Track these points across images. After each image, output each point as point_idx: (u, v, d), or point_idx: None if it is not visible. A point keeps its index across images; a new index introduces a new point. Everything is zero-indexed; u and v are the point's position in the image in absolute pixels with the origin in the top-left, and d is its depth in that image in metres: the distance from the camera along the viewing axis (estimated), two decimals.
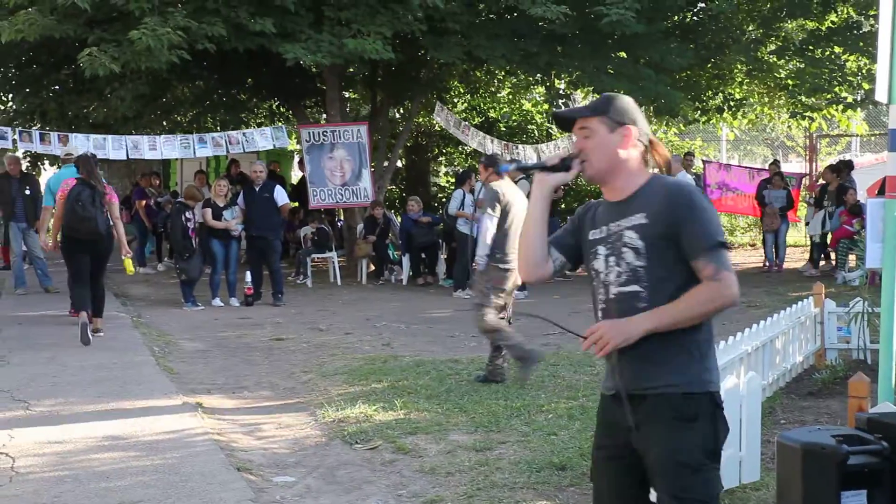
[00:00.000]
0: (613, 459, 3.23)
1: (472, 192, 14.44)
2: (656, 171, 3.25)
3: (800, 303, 8.04)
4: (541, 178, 3.30)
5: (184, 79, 17.44)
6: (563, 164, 3.23)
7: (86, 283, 10.29)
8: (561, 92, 20.56)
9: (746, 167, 21.38)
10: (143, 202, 17.31)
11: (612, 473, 3.25)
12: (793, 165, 27.02)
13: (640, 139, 3.19)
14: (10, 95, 17.83)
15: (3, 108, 17.94)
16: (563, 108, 21.12)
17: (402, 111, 21.11)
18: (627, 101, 3.23)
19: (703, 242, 3.01)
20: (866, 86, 16.43)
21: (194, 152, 15.06)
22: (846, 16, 17.16)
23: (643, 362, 3.12)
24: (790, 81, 17.46)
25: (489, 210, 7.81)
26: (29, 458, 6.03)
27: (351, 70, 17.46)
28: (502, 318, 7.97)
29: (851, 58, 16.96)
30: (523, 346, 7.81)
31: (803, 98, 17.11)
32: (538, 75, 18.28)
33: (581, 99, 24.28)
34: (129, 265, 11.13)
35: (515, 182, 14.26)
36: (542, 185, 3.30)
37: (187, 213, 13.01)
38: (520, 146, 19.31)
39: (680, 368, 3.09)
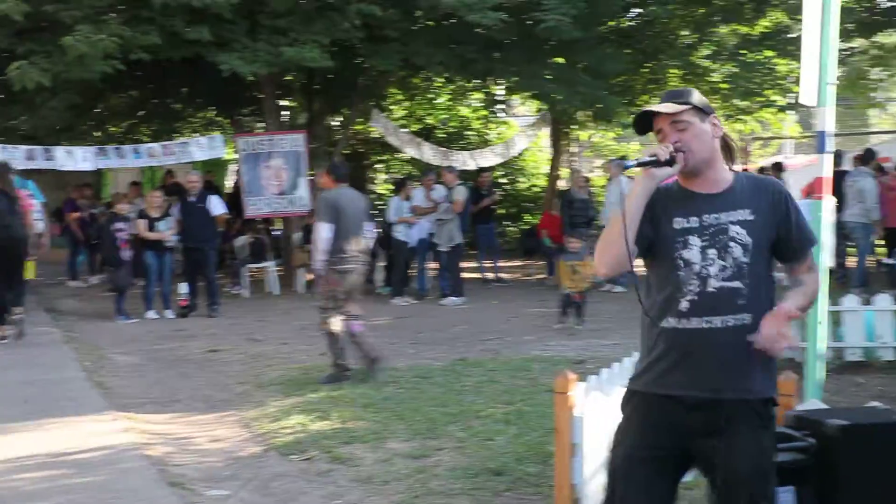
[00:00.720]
0: (655, 461, 3.20)
1: (409, 199, 14.41)
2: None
3: None
4: (650, 173, 3.20)
5: (117, 89, 17.19)
6: (670, 160, 3.18)
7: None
8: (499, 98, 20.64)
9: None
10: (76, 214, 16.99)
11: (648, 474, 3.21)
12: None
13: (720, 129, 3.31)
14: None
15: None
16: (500, 114, 21.26)
17: (339, 119, 21.02)
18: (699, 93, 3.32)
19: (810, 241, 3.28)
20: (796, 89, 16.68)
21: (129, 163, 14.83)
22: (777, 20, 17.45)
23: (720, 368, 3.14)
24: (724, 85, 17.70)
25: (324, 218, 8.16)
26: None
27: (288, 78, 17.35)
28: (346, 320, 8.39)
29: (782, 62, 17.25)
30: (373, 349, 8.35)
31: (737, 101, 17.35)
32: (476, 81, 18.33)
33: (519, 104, 24.45)
34: (30, 267, 11.15)
35: (453, 188, 14.28)
36: (650, 180, 3.20)
37: (118, 224, 12.80)
38: (457, 152, 19.34)
39: (756, 375, 3.15)
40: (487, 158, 19.22)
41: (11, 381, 8.70)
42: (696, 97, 3.26)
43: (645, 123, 3.32)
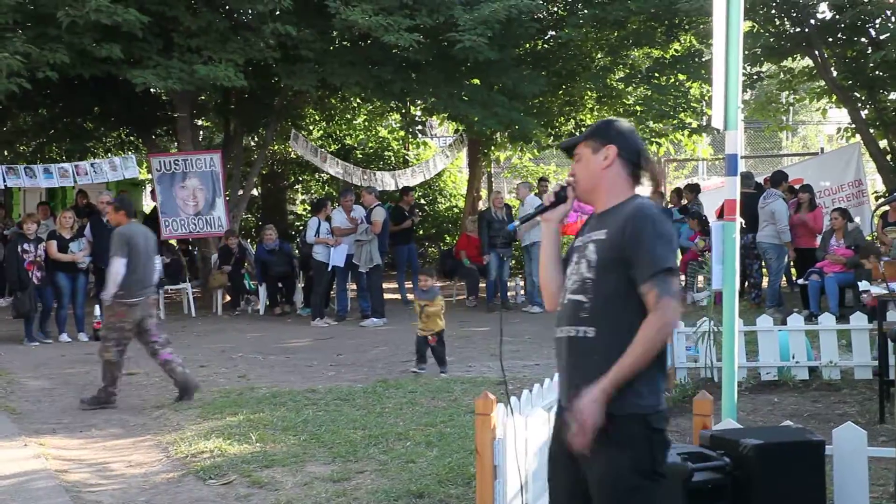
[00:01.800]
0: (569, 465, 3.30)
1: (328, 219, 14.34)
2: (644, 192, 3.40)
3: None
4: (545, 218, 3.51)
5: (25, 107, 16.82)
6: (560, 197, 3.46)
7: None
8: (417, 118, 20.70)
9: None
10: None
11: (568, 475, 3.33)
12: (644, 188, 27.81)
13: (626, 157, 3.36)
14: None
15: None
16: (418, 134, 21.32)
17: (256, 139, 20.87)
18: (618, 123, 3.44)
19: (650, 268, 3.14)
20: (708, 111, 17.11)
21: (39, 182, 14.50)
22: (689, 44, 17.86)
23: (569, 378, 3.29)
24: (638, 108, 18.02)
25: (117, 253, 8.53)
26: None
27: (203, 97, 17.17)
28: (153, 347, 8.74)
29: (695, 85, 17.65)
30: (185, 376, 8.66)
31: (651, 124, 17.70)
32: (393, 102, 18.36)
33: (437, 125, 24.55)
34: None
35: (371, 209, 14.26)
36: (548, 224, 3.51)
37: (24, 245, 12.49)
38: (377, 173, 19.34)
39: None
40: (408, 179, 19.26)
41: None
42: (602, 129, 3.43)
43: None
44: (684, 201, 16.69)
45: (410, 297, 16.20)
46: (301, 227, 23.88)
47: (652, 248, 3.16)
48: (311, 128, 22.43)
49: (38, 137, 19.15)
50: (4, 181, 14.26)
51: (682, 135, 18.58)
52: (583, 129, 19.86)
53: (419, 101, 17.82)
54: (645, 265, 3.15)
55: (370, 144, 24.06)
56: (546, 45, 18.14)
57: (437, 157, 20.85)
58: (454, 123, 19.51)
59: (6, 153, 18.97)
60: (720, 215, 6.96)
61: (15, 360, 11.20)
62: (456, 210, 23.43)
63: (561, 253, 3.52)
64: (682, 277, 16.21)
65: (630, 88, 18.49)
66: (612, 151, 3.34)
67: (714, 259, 5.41)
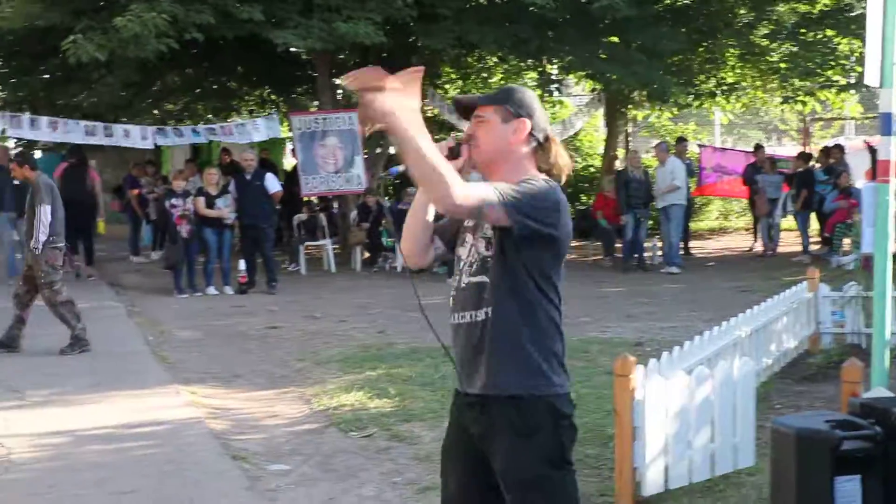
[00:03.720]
0: (464, 458, 3.12)
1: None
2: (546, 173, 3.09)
3: (794, 287, 8.05)
4: None
5: (173, 67, 17.40)
6: (453, 153, 3.10)
7: None
8: (553, 77, 20.53)
9: (742, 150, 21.38)
10: (136, 191, 17.25)
11: (463, 469, 3.13)
12: (787, 149, 27.01)
13: (535, 134, 3.08)
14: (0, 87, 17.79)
15: None
16: (555, 92, 21.12)
17: None
18: (528, 95, 3.13)
19: (499, 188, 2.88)
20: (858, 69, 16.43)
21: (188, 140, 15.06)
22: None
23: (469, 364, 3.03)
24: (783, 65, 17.45)
25: (45, 201, 8.75)
26: (24, 447, 6.04)
27: (342, 56, 17.41)
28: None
29: (843, 40, 16.95)
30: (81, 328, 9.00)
31: (796, 82, 17.12)
32: (530, 60, 18.25)
33: (574, 84, 24.33)
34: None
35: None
36: None
37: (173, 200, 13.00)
38: None
39: (502, 368, 2.97)
40: None
41: (79, 355, 8.91)
42: (514, 98, 3.08)
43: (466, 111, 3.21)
44: (831, 161, 16.14)
45: None
46: None
47: (521, 187, 2.89)
48: (447, 86, 22.51)
49: (185, 96, 19.80)
50: (155, 141, 14.85)
51: (829, 93, 17.90)
52: (724, 88, 19.47)
53: (556, 60, 17.66)
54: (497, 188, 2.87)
55: None
56: (686, 2, 17.70)
57: (574, 117, 20.65)
58: (591, 82, 19.27)
59: (155, 112, 19.71)
60: (872, 177, 6.72)
61: (165, 311, 11.71)
62: (592, 170, 23.22)
63: (430, 208, 3.16)
64: (822, 239, 15.71)
65: (774, 45, 17.90)
66: (525, 126, 3.05)
67: (865, 222, 5.26)
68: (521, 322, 2.96)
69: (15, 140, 16.44)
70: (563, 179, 3.13)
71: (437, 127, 23.39)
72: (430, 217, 3.19)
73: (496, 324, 2.97)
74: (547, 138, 3.11)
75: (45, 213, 8.70)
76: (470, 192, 2.80)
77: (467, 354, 3.05)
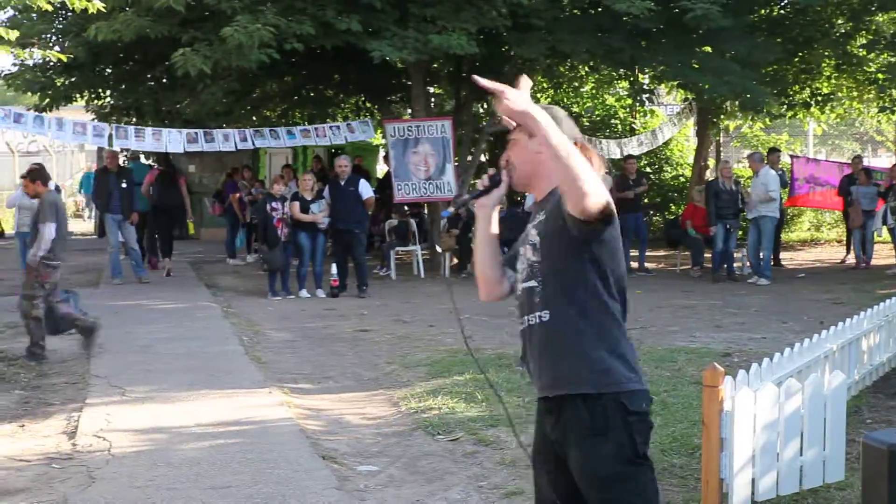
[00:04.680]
0: (550, 460, 3.20)
1: None
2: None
3: (888, 300, 7.91)
4: (480, 204, 3.34)
5: (273, 75, 17.76)
6: (494, 181, 3.29)
7: None
8: (645, 87, 20.42)
9: (835, 161, 20.97)
10: (237, 195, 17.69)
11: (550, 471, 3.22)
12: (882, 160, 26.38)
13: None
14: (108, 92, 18.36)
15: (100, 103, 18.47)
16: (646, 102, 21.01)
17: (485, 106, 21.18)
18: (553, 110, 3.16)
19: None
20: None
21: (283, 143, 15.46)
22: None
23: (540, 366, 3.13)
24: (881, 76, 17.06)
25: (49, 219, 8.85)
26: (125, 442, 6.28)
27: (435, 66, 17.57)
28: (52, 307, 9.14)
29: None
30: (86, 320, 9.19)
31: (893, 92, 16.73)
32: (622, 70, 18.18)
33: (665, 93, 24.13)
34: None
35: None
36: (482, 210, 3.35)
37: (273, 204, 13.32)
38: (603, 141, 19.25)
39: (574, 367, 3.04)
40: (633, 147, 19.08)
41: (176, 353, 9.21)
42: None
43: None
44: None
45: (634, 265, 16.12)
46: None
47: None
48: (539, 95, 22.54)
49: (283, 103, 20.20)
50: (253, 143, 15.25)
51: None
52: (818, 98, 19.12)
53: (648, 69, 17.56)
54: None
55: (597, 112, 23.93)
56: (782, 11, 17.44)
57: (664, 126, 20.50)
58: (682, 92, 19.11)
59: (254, 118, 20.17)
60: None
61: (259, 313, 12.00)
62: (682, 179, 23.00)
63: (495, 239, 3.37)
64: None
65: (872, 55, 17.51)
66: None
67: None
68: (579, 321, 3.03)
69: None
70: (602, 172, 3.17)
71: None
72: (495, 249, 3.37)
73: (554, 325, 3.06)
74: (574, 143, 3.12)
75: (48, 230, 8.86)
76: (602, 189, 2.87)
77: (534, 357, 3.16)
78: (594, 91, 23.61)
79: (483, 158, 22.42)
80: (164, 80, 17.02)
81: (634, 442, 3.00)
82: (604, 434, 2.98)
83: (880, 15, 17.35)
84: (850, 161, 18.80)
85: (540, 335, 3.10)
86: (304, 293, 13.46)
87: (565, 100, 23.57)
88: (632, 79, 19.37)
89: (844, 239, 18.19)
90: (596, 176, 2.87)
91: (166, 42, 14.00)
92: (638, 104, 22.53)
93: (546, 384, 3.11)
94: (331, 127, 15.91)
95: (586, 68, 19.94)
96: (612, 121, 23.97)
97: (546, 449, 3.19)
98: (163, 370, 8.47)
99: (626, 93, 22.93)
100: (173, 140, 14.57)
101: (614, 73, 19.81)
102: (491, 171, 3.34)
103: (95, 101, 18.32)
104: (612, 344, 3.04)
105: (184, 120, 17.04)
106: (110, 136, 14.50)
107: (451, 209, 3.47)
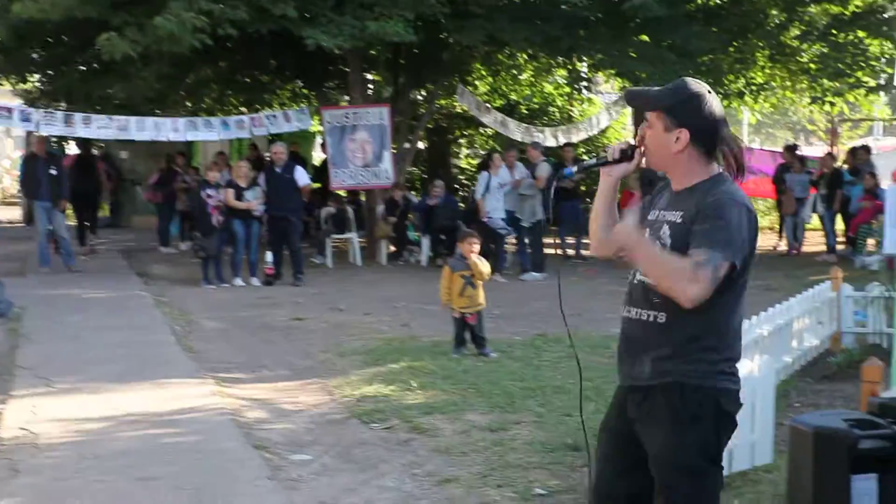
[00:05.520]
0: (619, 436, 3.26)
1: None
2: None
3: (817, 286, 8.04)
4: (605, 173, 3.31)
5: (207, 60, 17.51)
6: (625, 155, 3.23)
7: None
8: (583, 75, 20.50)
9: (769, 150, 21.27)
10: (182, 184, 17.41)
11: (617, 445, 3.28)
12: (815, 149, 26.85)
13: (702, 140, 3.09)
14: (36, 76, 17.94)
15: (27, 87, 18.04)
16: (584, 91, 21.10)
17: (423, 93, 21.11)
18: (696, 98, 3.09)
19: (711, 239, 2.92)
20: (889, 70, 16.33)
21: (218, 134, 15.18)
22: (870, 0, 17.03)
23: (634, 359, 3.15)
24: (812, 66, 17.35)
25: None
26: (51, 433, 6.13)
27: (373, 52, 17.47)
28: None
29: (875, 42, 16.84)
30: None
31: (825, 82, 17.03)
32: (560, 58, 18.24)
33: (603, 82, 24.27)
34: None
35: (536, 164, 14.32)
36: (606, 179, 3.32)
37: (208, 191, 13.14)
38: (541, 128, 19.30)
39: (668, 362, 3.06)
40: (571, 135, 19.16)
41: (106, 343, 9.02)
42: (679, 102, 3.10)
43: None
44: (858, 161, 16.07)
45: (571, 252, 16.20)
46: (465, 181, 24.12)
47: (724, 227, 2.94)
48: (477, 83, 22.52)
49: (218, 89, 19.95)
50: (185, 135, 14.99)
51: (858, 94, 17.78)
52: (753, 88, 19.36)
53: (586, 58, 17.64)
54: (708, 235, 2.93)
55: (536, 100, 23.99)
56: (718, 2, 17.63)
57: (602, 114, 20.62)
58: (620, 80, 19.23)
59: (188, 104, 19.88)
60: None
61: (193, 301, 11.82)
62: None
63: (614, 206, 3.33)
64: (846, 239, 15.63)
65: (805, 46, 17.78)
66: (685, 136, 3.06)
67: (888, 222, 5.25)
68: (697, 325, 3.02)
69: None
70: (741, 171, 3.16)
71: (464, 122, 23.49)
72: (612, 215, 3.31)
73: (668, 328, 3.05)
74: (715, 137, 3.11)
75: None
76: (699, 275, 2.88)
77: (635, 349, 3.13)
78: (533, 79, 23.65)
79: (421, 146, 22.40)
80: (95, 65, 16.67)
81: (719, 441, 3.08)
82: (692, 424, 3.01)
83: (813, 6, 17.62)
84: (783, 150, 19.07)
85: (649, 332, 3.09)
86: (238, 281, 13.30)
87: (504, 87, 23.58)
88: (570, 67, 19.44)
89: (777, 226, 18.46)
90: (681, 277, 2.90)
91: (97, 25, 13.68)
92: (576, 92, 22.63)
93: (646, 375, 3.10)
94: (267, 116, 15.72)
95: (525, 56, 19.97)
96: (551, 108, 24.04)
97: (618, 422, 3.22)
98: (92, 360, 8.29)
99: (564, 81, 23.01)
100: (104, 126, 14.27)
101: (552, 62, 19.86)
102: (623, 143, 3.27)
103: (21, 86, 17.89)
104: (723, 348, 3.08)
105: (116, 106, 16.70)
106: (38, 122, 14.17)
107: (575, 169, 3.57)
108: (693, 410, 3.01)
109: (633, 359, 3.13)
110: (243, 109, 20.15)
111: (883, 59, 16.42)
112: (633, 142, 3.26)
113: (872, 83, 17.02)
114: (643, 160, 3.20)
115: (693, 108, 3.08)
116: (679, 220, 3.06)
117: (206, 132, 15.06)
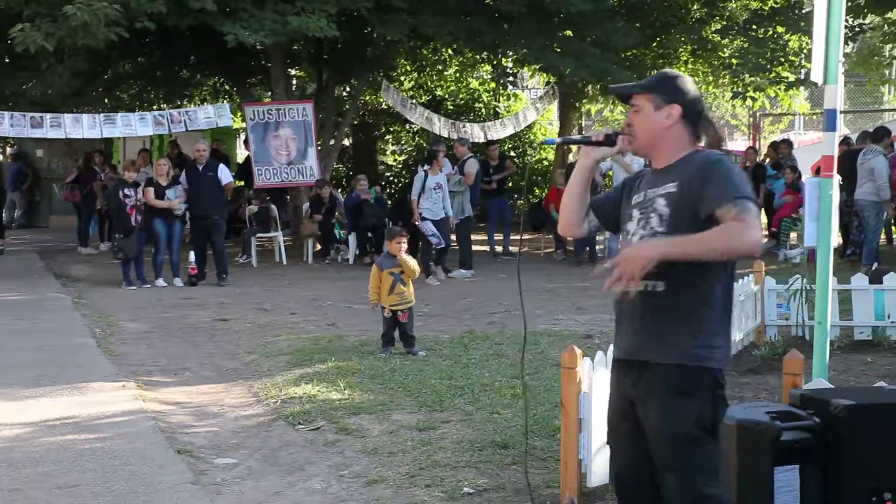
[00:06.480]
0: (627, 420, 3.39)
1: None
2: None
3: (740, 280, 8.13)
4: (585, 152, 3.47)
5: (125, 55, 17.18)
6: (608, 140, 3.41)
7: None
8: (508, 70, 20.57)
9: None
10: (100, 183, 17.04)
11: (628, 429, 3.40)
12: (738, 144, 27.32)
13: (689, 116, 3.29)
14: None
15: None
16: (509, 86, 21.18)
17: (348, 89, 20.99)
18: (681, 79, 3.37)
19: (730, 193, 3.06)
20: (807, 65, 16.62)
21: (136, 131, 14.87)
22: None
23: (634, 332, 3.31)
24: (734, 60, 17.63)
25: None
26: None
27: (296, 47, 17.30)
28: None
29: (793, 37, 17.18)
30: None
31: (746, 77, 17.32)
32: (485, 53, 18.27)
33: (528, 77, 24.41)
34: None
35: (464, 160, 14.34)
36: (586, 158, 3.48)
37: (126, 191, 12.85)
38: (467, 124, 19.30)
39: (671, 339, 3.21)
40: (497, 131, 19.20)
41: (23, 347, 8.78)
42: (667, 84, 3.34)
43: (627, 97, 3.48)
44: (780, 156, 16.36)
45: (499, 249, 16.22)
46: (391, 178, 24.05)
47: (729, 179, 3.12)
48: (402, 78, 22.47)
49: (137, 85, 19.58)
50: (102, 131, 14.63)
51: (779, 89, 18.12)
52: None
53: (511, 53, 17.70)
54: (722, 191, 3.08)
55: (461, 96, 24.01)
56: None
57: (528, 110, 20.71)
58: (545, 75, 19.34)
59: (106, 100, 19.46)
60: (816, 171, 6.79)
61: (113, 303, 11.58)
62: (545, 163, 23.29)
63: (588, 185, 3.51)
64: (769, 233, 15.92)
65: (726, 41, 18.10)
66: (677, 112, 3.28)
67: (808, 216, 5.30)
68: (695, 295, 3.19)
69: None
70: (723, 145, 3.42)
71: (390, 119, 23.42)
72: (585, 193, 3.50)
73: (667, 296, 3.19)
74: (701, 117, 3.33)
75: None
76: (746, 221, 3.03)
77: (633, 324, 3.30)
78: (458, 74, 23.68)
79: (346, 142, 22.26)
80: (7, 60, 16.20)
81: (715, 413, 3.24)
82: (689, 396, 3.18)
83: (733, 2, 17.92)
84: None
85: (647, 302, 3.22)
86: (160, 282, 13.05)
87: (429, 83, 23.57)
88: (495, 62, 19.50)
89: None
90: (732, 234, 3.04)
91: (7, 18, 13.28)
92: (501, 88, 22.70)
93: (644, 349, 3.26)
94: (186, 112, 15.44)
95: (450, 51, 19.97)
96: (476, 104, 24.10)
97: (623, 412, 3.37)
98: (6, 365, 8.05)
99: (489, 76, 23.06)
100: (16, 124, 13.88)
101: (478, 57, 19.89)
102: (607, 129, 3.47)
103: None
104: (719, 319, 3.24)
105: (30, 102, 16.27)
106: None
107: (558, 140, 4.25)
108: (690, 385, 3.17)
109: (633, 332, 3.31)
110: (164, 105, 19.79)
111: (802, 55, 16.73)
112: (616, 131, 3.45)
113: (792, 78, 17.35)
114: (628, 145, 3.37)
115: (679, 85, 3.33)
116: (674, 189, 3.22)
117: (124, 128, 14.72)
